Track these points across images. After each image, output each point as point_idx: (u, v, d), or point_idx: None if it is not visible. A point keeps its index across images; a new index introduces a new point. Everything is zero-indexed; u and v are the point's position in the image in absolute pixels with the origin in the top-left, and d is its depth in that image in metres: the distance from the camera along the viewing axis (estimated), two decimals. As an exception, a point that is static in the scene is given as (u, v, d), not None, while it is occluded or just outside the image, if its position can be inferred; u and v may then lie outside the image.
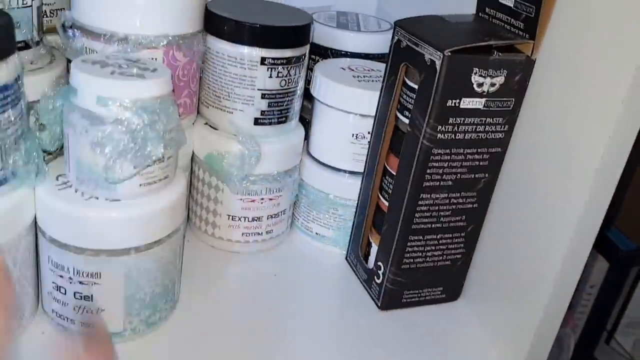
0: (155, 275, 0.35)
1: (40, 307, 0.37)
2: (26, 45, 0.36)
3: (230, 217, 0.44)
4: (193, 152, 0.44)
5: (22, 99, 0.31)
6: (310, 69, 0.47)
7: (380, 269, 0.42)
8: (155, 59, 0.37)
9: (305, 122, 0.48)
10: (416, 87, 0.37)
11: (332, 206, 0.46)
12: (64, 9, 0.43)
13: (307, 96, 0.46)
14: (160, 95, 0.32)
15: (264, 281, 0.44)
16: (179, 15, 0.37)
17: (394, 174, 0.40)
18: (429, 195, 0.38)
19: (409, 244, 0.40)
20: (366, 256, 0.44)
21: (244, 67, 0.40)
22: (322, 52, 0.51)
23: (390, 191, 0.41)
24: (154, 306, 0.36)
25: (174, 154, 0.35)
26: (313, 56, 0.51)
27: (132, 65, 0.33)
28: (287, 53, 0.40)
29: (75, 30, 0.36)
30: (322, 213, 0.47)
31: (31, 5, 0.36)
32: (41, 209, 0.34)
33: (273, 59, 0.40)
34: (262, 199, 0.44)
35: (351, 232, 0.46)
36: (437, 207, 0.39)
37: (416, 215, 0.39)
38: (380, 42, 0.49)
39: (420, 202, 0.38)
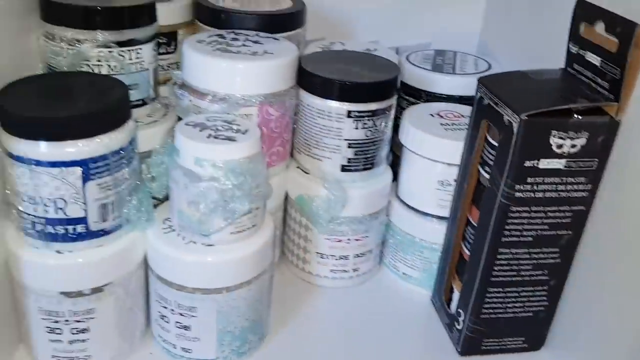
0: (244, 311, 0.39)
1: (150, 331, 0.42)
2: (144, 102, 0.42)
3: (319, 255, 0.47)
4: (287, 193, 0.47)
5: (134, 158, 0.36)
6: (403, 109, 0.49)
7: (460, 316, 0.43)
8: (251, 115, 0.40)
9: (396, 157, 0.49)
10: (496, 144, 0.37)
11: (419, 249, 0.48)
12: (177, 63, 0.48)
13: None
14: (249, 155, 0.36)
15: (350, 317, 0.46)
16: (273, 77, 0.41)
17: (475, 225, 0.41)
18: (508, 250, 0.39)
19: (487, 295, 0.40)
20: (449, 301, 0.45)
21: (331, 120, 0.42)
22: (416, 94, 0.52)
23: (471, 241, 0.41)
24: (243, 338, 0.40)
25: (262, 205, 0.38)
26: (407, 97, 0.53)
27: (227, 127, 0.37)
28: (373, 106, 0.42)
29: (184, 90, 0.41)
30: (408, 254, 0.48)
31: (148, 69, 0.41)
32: (150, 249, 0.39)
33: (359, 111, 0.42)
34: (349, 239, 0.46)
35: (436, 275, 0.47)
36: (517, 262, 0.39)
37: (495, 268, 0.39)
38: (475, 85, 0.50)
39: (499, 256, 0.39)
